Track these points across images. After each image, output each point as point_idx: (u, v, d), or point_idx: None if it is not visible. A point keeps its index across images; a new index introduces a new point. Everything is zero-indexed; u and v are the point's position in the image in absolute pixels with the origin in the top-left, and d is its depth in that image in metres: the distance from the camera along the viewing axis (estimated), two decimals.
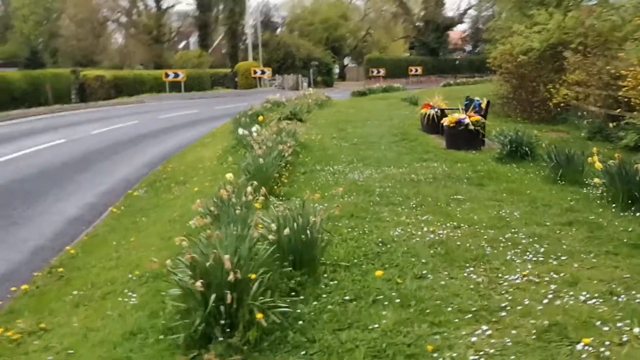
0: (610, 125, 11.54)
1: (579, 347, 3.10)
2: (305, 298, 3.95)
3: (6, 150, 13.73)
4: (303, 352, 3.27)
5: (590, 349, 3.07)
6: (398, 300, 3.86)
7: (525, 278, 4.18)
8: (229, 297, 3.24)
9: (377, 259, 4.72)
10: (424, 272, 4.39)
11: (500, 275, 4.29)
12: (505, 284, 4.11)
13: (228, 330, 3.32)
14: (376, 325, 3.52)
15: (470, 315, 3.60)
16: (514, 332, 3.34)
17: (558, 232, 5.36)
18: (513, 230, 5.43)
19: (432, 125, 13.41)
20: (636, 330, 3.23)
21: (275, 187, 7.28)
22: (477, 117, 11.07)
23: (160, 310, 3.96)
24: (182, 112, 25.69)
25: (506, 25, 19.27)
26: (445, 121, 11.30)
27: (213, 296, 3.28)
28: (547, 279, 4.16)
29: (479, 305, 3.74)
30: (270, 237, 4.10)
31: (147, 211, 7.71)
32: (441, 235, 5.30)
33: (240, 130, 10.18)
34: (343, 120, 16.77)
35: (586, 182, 7.41)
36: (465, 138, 10.97)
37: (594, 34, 14.30)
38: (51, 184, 10.46)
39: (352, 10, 72.54)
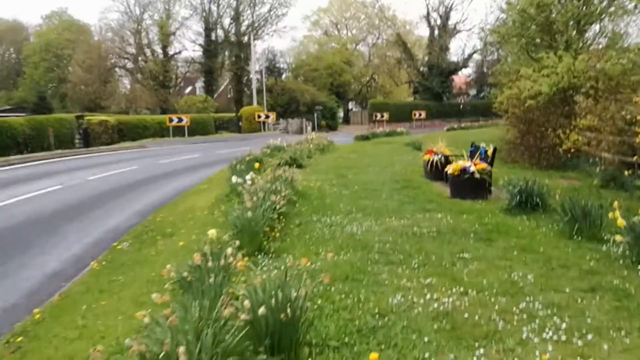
0: (626, 173, 10.95)
1: None
2: None
3: None
4: None
5: None
6: None
7: None
8: None
9: (372, 336, 4.08)
10: (427, 354, 3.74)
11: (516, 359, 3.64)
12: None
13: None
14: None
15: None
16: None
17: (580, 300, 4.72)
18: (528, 298, 4.78)
19: (436, 172, 12.91)
20: None
21: (265, 242, 6.69)
22: (483, 165, 10.52)
23: None
24: (183, 156, 25.32)
25: (513, 69, 18.94)
26: (450, 169, 10.76)
27: None
28: None
29: None
30: (243, 316, 3.46)
31: (127, 268, 7.11)
32: (446, 305, 4.66)
33: (234, 178, 9.65)
34: (344, 166, 16.26)
35: (605, 237, 6.79)
36: (470, 187, 10.41)
37: (605, 77, 13.87)
38: (38, 234, 9.91)
39: (356, 57, 73.17)
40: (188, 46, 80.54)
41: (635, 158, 10.97)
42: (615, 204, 6.08)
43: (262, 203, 7.46)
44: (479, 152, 11.53)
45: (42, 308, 6.09)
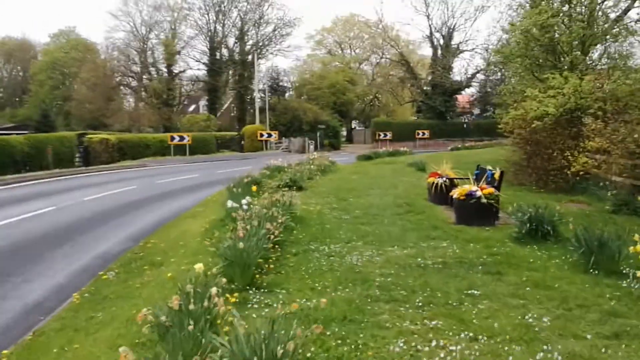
0: (639, 198, 10.47)
1: None
2: None
3: None
4: None
5: None
6: None
7: None
8: None
9: None
10: None
11: None
12: None
13: None
14: None
15: None
16: None
17: (604, 350, 4.22)
18: (545, 346, 4.28)
19: (440, 195, 12.43)
20: None
21: (258, 275, 6.20)
22: (490, 190, 10.04)
23: None
24: (182, 176, 24.94)
25: (518, 89, 18.54)
26: (455, 193, 10.27)
27: None
28: None
29: None
30: None
31: (109, 302, 6.62)
32: (454, 354, 4.17)
33: (229, 203, 9.19)
34: (345, 188, 15.79)
35: (624, 271, 6.29)
36: (477, 212, 9.92)
37: (613, 98, 13.44)
38: (23, 260, 9.46)
39: (359, 75, 73.17)
40: (192, 65, 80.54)
41: None
42: (637, 236, 5.58)
43: (256, 231, 7.00)
44: (485, 175, 11.05)
45: (11, 350, 5.62)
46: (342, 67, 70.00)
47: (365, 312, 5.18)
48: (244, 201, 8.99)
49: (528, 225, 8.36)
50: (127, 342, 4.68)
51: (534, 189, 14.79)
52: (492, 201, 9.94)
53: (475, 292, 5.77)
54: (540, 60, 19.15)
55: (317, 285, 6.06)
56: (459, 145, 46.56)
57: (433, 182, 12.80)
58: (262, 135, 47.68)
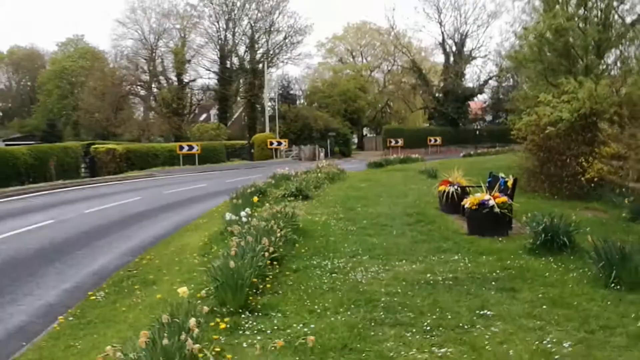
0: None
1: None
2: None
3: None
4: None
5: None
6: None
7: None
8: None
9: None
10: None
11: None
12: None
13: None
14: None
15: None
16: None
17: None
18: None
19: (452, 204, 11.98)
20: None
21: (252, 297, 5.76)
22: (504, 199, 9.56)
23: None
24: (190, 186, 24.59)
25: (531, 95, 18.01)
26: (467, 202, 9.80)
27: None
28: None
29: None
30: None
31: (92, 328, 6.19)
32: None
33: (228, 215, 8.79)
34: (354, 196, 15.33)
35: None
36: (489, 222, 9.45)
37: (630, 103, 12.91)
38: (13, 278, 9.06)
39: (370, 83, 72.76)
40: (203, 73, 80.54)
41: None
42: None
43: (253, 246, 6.58)
44: (498, 184, 10.56)
45: None
46: (354, 74, 69.64)
47: (367, 339, 4.71)
48: (242, 213, 8.59)
49: (543, 236, 7.87)
50: None
51: (547, 195, 14.30)
52: (505, 210, 9.47)
53: (488, 312, 5.30)
54: (554, 65, 18.62)
55: (316, 307, 5.61)
56: (471, 152, 45.95)
57: (444, 191, 12.34)
58: (272, 143, 47.39)
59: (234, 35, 63.26)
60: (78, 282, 8.77)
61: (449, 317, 5.21)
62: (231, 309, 5.52)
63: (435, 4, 64.46)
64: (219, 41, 62.62)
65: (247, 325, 5.13)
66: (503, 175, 11.07)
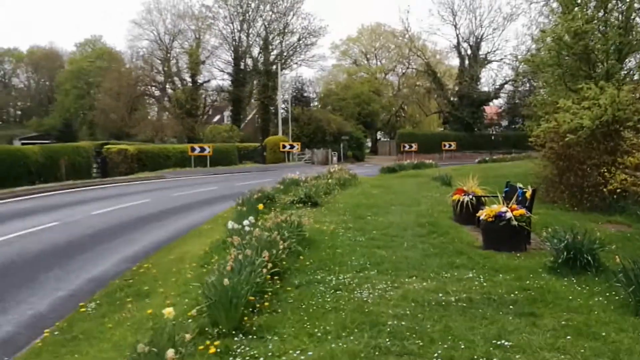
0: None
1: None
2: None
3: None
4: None
5: None
6: None
7: None
8: None
9: None
10: None
11: None
12: None
13: None
14: None
15: None
16: None
17: None
18: None
19: (466, 214, 11.47)
20: None
21: (247, 318, 5.30)
22: (522, 211, 9.01)
23: None
24: (200, 189, 24.28)
25: (549, 101, 17.38)
26: (483, 214, 9.26)
27: None
28: None
29: None
30: None
31: (75, 346, 5.77)
32: None
33: (230, 224, 8.34)
34: (364, 204, 14.83)
35: None
36: (506, 236, 8.91)
37: None
38: (9, 283, 8.75)
39: (385, 86, 72.30)
40: (217, 75, 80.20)
41: None
42: None
43: (252, 260, 6.13)
44: (516, 195, 10.00)
45: None
46: (368, 77, 69.20)
47: None
48: (245, 222, 8.13)
49: (565, 254, 7.32)
50: None
51: (566, 207, 13.68)
52: (524, 224, 8.93)
53: (506, 342, 4.79)
54: (573, 70, 17.97)
55: (316, 330, 5.14)
56: (487, 158, 45.25)
57: (458, 200, 11.82)
58: (284, 146, 47.01)
59: (248, 36, 63.18)
60: (74, 290, 8.41)
61: (462, 346, 4.71)
62: (224, 330, 5.08)
63: (450, 7, 64.11)
64: (233, 42, 62.55)
65: (239, 350, 4.68)
66: (521, 185, 10.51)
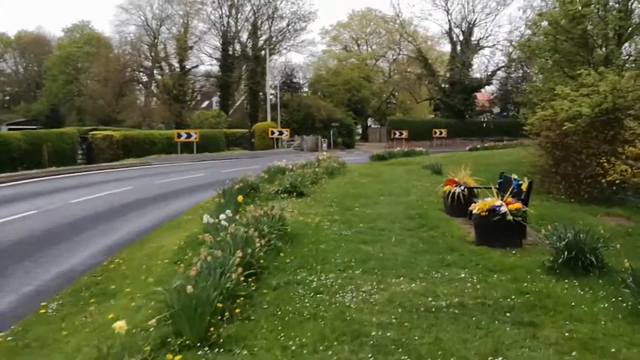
0: None
1: None
2: None
3: None
4: None
5: None
6: None
7: None
8: None
9: None
10: None
11: None
12: None
13: None
14: None
15: None
16: None
17: None
18: None
19: (458, 206, 10.92)
20: None
21: (214, 327, 4.71)
22: (517, 205, 8.46)
23: None
24: (185, 176, 23.62)
25: (546, 87, 16.82)
26: (476, 208, 8.70)
27: None
28: None
29: None
30: None
31: (25, 356, 5.19)
32: None
33: (205, 218, 7.72)
34: (352, 194, 14.25)
35: None
36: (500, 231, 8.37)
37: None
38: None
39: (375, 72, 71.42)
40: (205, 60, 78.92)
41: None
42: None
43: (223, 261, 5.55)
44: (511, 187, 9.44)
45: None
46: (358, 63, 68.31)
47: None
48: (222, 216, 7.52)
49: (566, 253, 6.78)
50: None
51: (562, 198, 13.19)
52: (519, 218, 8.38)
53: (503, 359, 4.25)
54: (571, 55, 17.42)
55: (291, 342, 4.56)
56: (478, 145, 44.75)
57: (449, 191, 11.26)
58: (273, 133, 46.25)
59: (236, 21, 62.06)
60: (41, 286, 7.83)
61: None
62: (187, 342, 4.50)
63: None
64: (222, 27, 61.46)
65: None
66: (516, 176, 9.96)
